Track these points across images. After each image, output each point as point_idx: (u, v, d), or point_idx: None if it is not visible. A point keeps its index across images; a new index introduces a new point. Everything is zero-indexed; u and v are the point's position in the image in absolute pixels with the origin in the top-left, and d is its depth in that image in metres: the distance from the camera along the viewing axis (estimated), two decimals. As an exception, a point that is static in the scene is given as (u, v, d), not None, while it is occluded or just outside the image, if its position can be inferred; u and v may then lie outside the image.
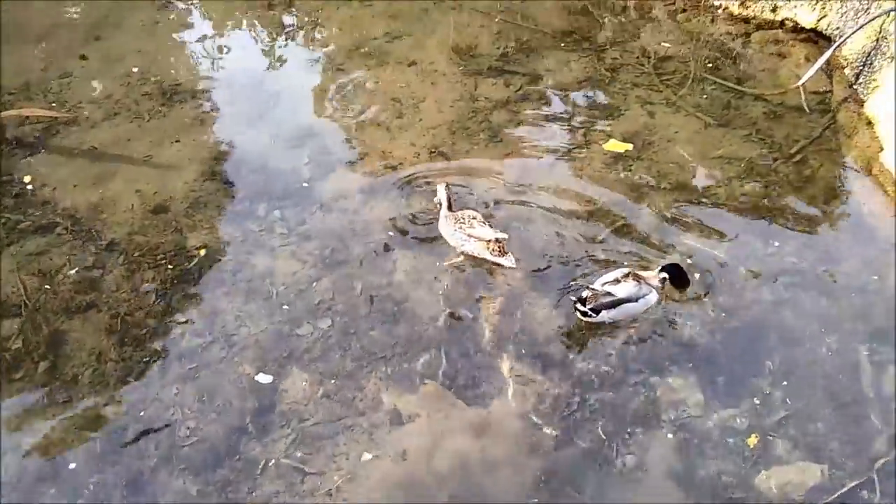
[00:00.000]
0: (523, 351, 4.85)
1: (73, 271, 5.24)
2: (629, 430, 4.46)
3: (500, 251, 5.29)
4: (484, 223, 5.36)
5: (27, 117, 6.58)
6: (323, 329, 4.95)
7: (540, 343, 4.90)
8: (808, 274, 5.36)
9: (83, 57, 7.36)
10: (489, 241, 5.28)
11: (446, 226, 5.46)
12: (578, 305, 4.88)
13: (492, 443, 4.38)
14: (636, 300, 4.91)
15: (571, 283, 5.26)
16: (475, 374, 4.72)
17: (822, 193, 6.04)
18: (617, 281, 4.94)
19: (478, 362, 4.79)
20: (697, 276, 5.25)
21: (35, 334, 4.83)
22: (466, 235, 5.32)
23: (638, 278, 4.95)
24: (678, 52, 7.64)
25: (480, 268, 5.37)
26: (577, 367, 4.77)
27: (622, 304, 4.88)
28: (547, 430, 4.44)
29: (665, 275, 5.01)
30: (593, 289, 4.92)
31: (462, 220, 5.38)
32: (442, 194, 5.55)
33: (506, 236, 5.31)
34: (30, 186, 5.90)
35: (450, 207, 5.54)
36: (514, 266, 5.28)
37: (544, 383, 4.69)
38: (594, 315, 4.86)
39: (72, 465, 4.18)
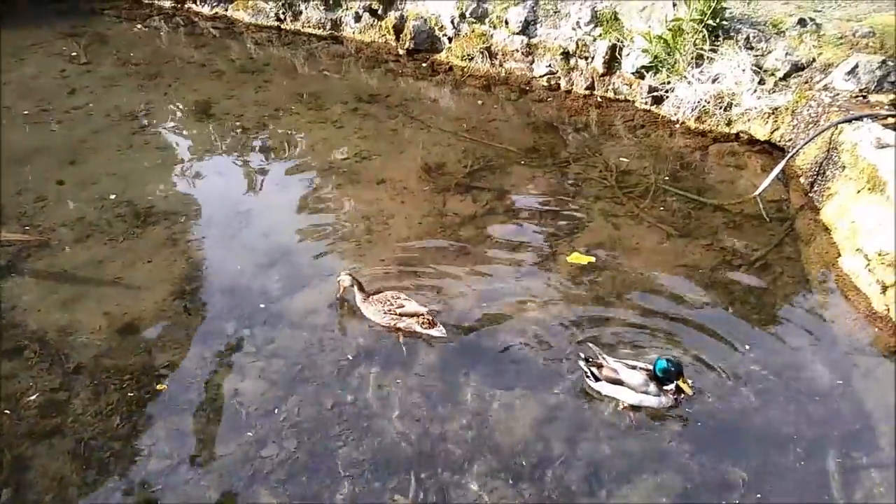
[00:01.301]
0: (494, 464, 4.81)
1: (38, 396, 5.19)
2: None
3: (430, 324, 5.71)
4: (409, 298, 5.82)
5: (0, 241, 6.65)
6: (289, 450, 4.89)
7: (509, 454, 4.87)
8: (774, 380, 5.42)
9: (60, 182, 7.51)
10: (421, 315, 5.70)
11: (369, 308, 5.84)
12: (586, 365, 5.28)
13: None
14: (638, 391, 5.13)
15: (588, 354, 5.38)
16: (445, 492, 4.66)
17: (784, 300, 6.17)
18: (633, 367, 5.20)
19: (447, 480, 4.73)
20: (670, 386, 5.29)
21: (-3, 461, 4.76)
22: (398, 315, 5.73)
23: (655, 381, 5.15)
24: (639, 165, 7.93)
25: (450, 380, 5.38)
26: (546, 478, 4.73)
27: (621, 385, 5.16)
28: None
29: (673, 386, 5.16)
30: (607, 362, 5.24)
31: (389, 302, 5.78)
32: (346, 281, 5.92)
33: (436, 309, 5.87)
34: (-1, 310, 5.93)
35: (362, 290, 5.91)
36: (444, 335, 5.69)
37: (515, 498, 4.63)
38: (594, 380, 5.23)
39: None
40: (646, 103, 8.98)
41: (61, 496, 4.57)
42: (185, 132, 8.70)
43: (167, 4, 11.90)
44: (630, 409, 5.19)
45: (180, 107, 9.18)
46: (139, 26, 11.44)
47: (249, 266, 6.47)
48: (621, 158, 8.08)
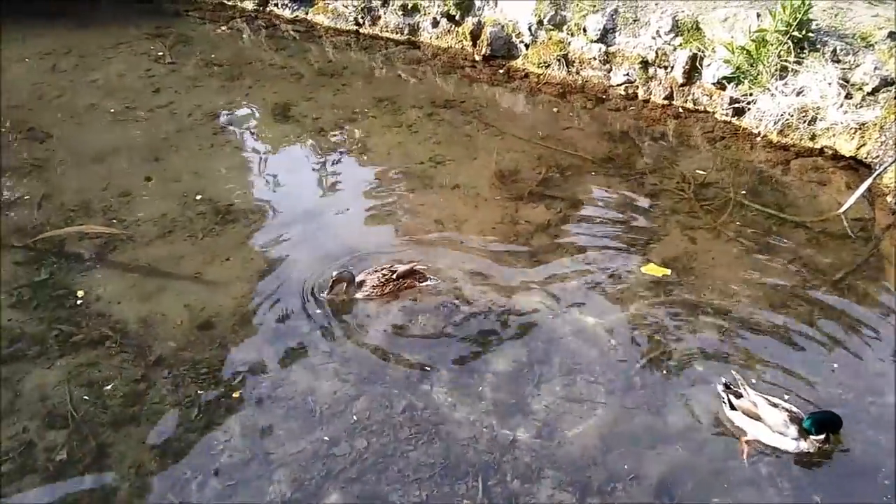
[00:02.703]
0: (562, 476, 4.78)
1: (120, 384, 5.36)
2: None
3: (423, 276, 6.27)
4: (392, 265, 6.26)
5: (86, 233, 6.89)
6: (359, 450, 4.95)
7: (578, 467, 4.83)
8: (855, 405, 5.25)
9: (148, 178, 7.74)
10: (416, 269, 6.23)
11: (366, 285, 6.13)
12: (724, 391, 5.15)
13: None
14: (774, 430, 4.91)
15: (729, 381, 5.26)
16: (513, 500, 4.65)
17: (867, 322, 5.98)
18: (774, 405, 4.99)
19: (515, 489, 4.72)
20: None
21: (81, 446, 4.91)
22: (396, 279, 6.13)
23: (797, 425, 4.91)
24: (718, 178, 7.78)
25: (520, 389, 5.36)
26: (615, 493, 4.68)
27: (759, 421, 4.96)
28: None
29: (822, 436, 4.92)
30: (748, 394, 5.06)
31: (382, 271, 6.15)
32: (344, 277, 6.09)
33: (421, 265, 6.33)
34: (83, 300, 6.12)
35: (353, 282, 6.13)
36: (436, 281, 6.29)
37: (583, 512, 4.60)
38: (729, 408, 5.11)
39: (105, 583, 4.17)
40: (726, 115, 8.81)
41: (139, 484, 4.71)
42: (264, 133, 8.88)
43: (249, 7, 12.15)
44: (752, 444, 4.98)
45: (260, 108, 9.36)
46: (222, 28, 11.71)
47: (323, 267, 6.55)
48: (698, 171, 7.94)
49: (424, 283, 6.29)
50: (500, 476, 4.78)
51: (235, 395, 5.32)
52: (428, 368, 5.55)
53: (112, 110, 9.19)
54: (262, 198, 7.58)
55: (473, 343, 5.78)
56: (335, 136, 8.73)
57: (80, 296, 6.15)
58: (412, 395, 5.33)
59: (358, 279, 6.16)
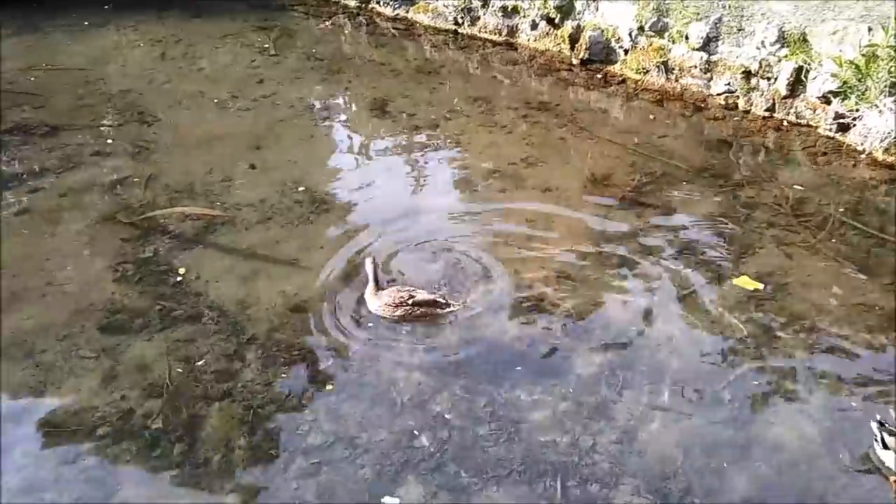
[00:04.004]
0: (641, 485, 4.75)
1: (214, 361, 5.57)
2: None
3: (445, 304, 5.98)
4: (415, 289, 6.00)
5: (189, 215, 7.19)
6: (440, 441, 5.02)
7: (658, 477, 4.79)
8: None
9: (252, 166, 8.02)
10: (435, 301, 5.93)
11: (375, 302, 5.94)
12: (878, 429, 4.86)
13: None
14: None
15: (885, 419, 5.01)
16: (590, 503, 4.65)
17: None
18: None
19: (593, 493, 4.71)
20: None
21: (175, 416, 5.13)
22: (411, 305, 5.88)
23: None
24: (817, 194, 7.57)
25: (603, 394, 5.35)
26: (696, 506, 4.64)
27: None
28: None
29: None
30: None
31: (400, 295, 5.90)
32: (369, 269, 5.99)
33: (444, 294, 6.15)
34: (184, 278, 6.39)
35: (377, 283, 5.98)
36: (459, 306, 6.04)
37: (661, 522, 4.57)
38: (881, 447, 4.82)
39: (193, 548, 4.36)
40: (830, 130, 8.55)
41: (228, 457, 4.89)
42: (361, 127, 9.07)
43: (352, 4, 12.41)
44: None
45: (358, 102, 9.56)
46: (325, 23, 11.99)
47: (413, 261, 6.66)
48: (797, 185, 7.74)
49: (445, 311, 5.99)
50: (579, 479, 4.78)
51: (323, 378, 5.48)
52: (511, 365, 5.58)
53: (217, 98, 9.52)
54: (357, 190, 7.74)
55: (557, 345, 5.79)
56: (429, 133, 8.84)
57: (181, 273, 6.43)
58: (494, 391, 5.38)
59: (382, 289, 6.00)
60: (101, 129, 8.79)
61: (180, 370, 5.50)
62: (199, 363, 5.56)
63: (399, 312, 5.89)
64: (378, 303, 5.93)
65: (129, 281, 6.36)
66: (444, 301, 5.99)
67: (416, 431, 5.07)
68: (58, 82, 9.79)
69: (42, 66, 10.19)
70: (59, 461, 4.83)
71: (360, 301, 6.11)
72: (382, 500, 4.63)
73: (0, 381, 5.37)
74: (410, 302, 5.89)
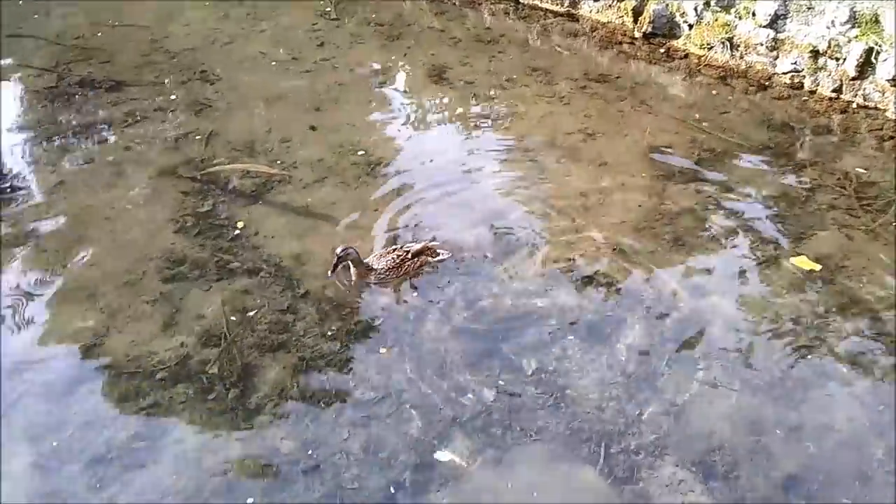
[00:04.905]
0: (686, 456, 4.76)
1: (269, 313, 5.70)
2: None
3: (432, 252, 6.22)
4: (401, 246, 6.18)
5: (248, 172, 7.32)
6: (487, 402, 5.08)
7: (705, 451, 4.79)
8: None
9: (313, 128, 8.12)
10: (427, 247, 6.21)
11: (373, 277, 5.99)
12: None
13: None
14: None
15: None
16: (633, 471, 4.66)
17: None
18: None
19: (637, 461, 4.73)
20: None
21: (230, 364, 5.28)
22: (411, 258, 6.06)
23: None
24: (882, 178, 7.40)
25: (652, 364, 5.35)
26: (740, 480, 4.62)
27: None
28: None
29: None
30: None
31: (396, 251, 6.06)
32: (347, 255, 5.83)
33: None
34: (242, 232, 6.52)
35: (362, 264, 5.94)
36: (449, 254, 6.28)
37: (703, 494, 4.56)
38: None
39: (244, 487, 4.48)
40: (898, 114, 8.33)
41: (280, 405, 5.02)
42: (419, 93, 9.09)
43: (414, -30, 12.38)
44: None
45: (417, 69, 9.58)
46: (386, -11, 12.00)
47: (465, 226, 6.70)
48: (860, 169, 7.56)
49: (437, 259, 6.23)
50: (624, 447, 4.81)
51: (373, 336, 5.57)
52: (560, 332, 5.60)
53: (278, 60, 9.63)
54: (413, 154, 7.79)
55: (608, 315, 5.79)
56: (487, 101, 8.83)
57: (239, 228, 6.57)
58: (543, 357, 5.41)
59: (368, 261, 6.02)
60: (165, 85, 8.96)
61: (236, 320, 5.64)
62: (255, 314, 5.69)
63: (404, 269, 6.03)
64: (379, 274, 6.01)
65: (189, 233, 6.52)
66: (434, 247, 6.26)
67: (463, 391, 5.14)
68: (123, 40, 9.99)
69: (109, 24, 10.39)
70: (119, 400, 5.01)
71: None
72: (435, 455, 4.71)
73: (65, 321, 5.57)
74: (410, 256, 6.06)
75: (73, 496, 4.40)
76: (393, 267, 6.00)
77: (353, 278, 5.99)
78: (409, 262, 6.05)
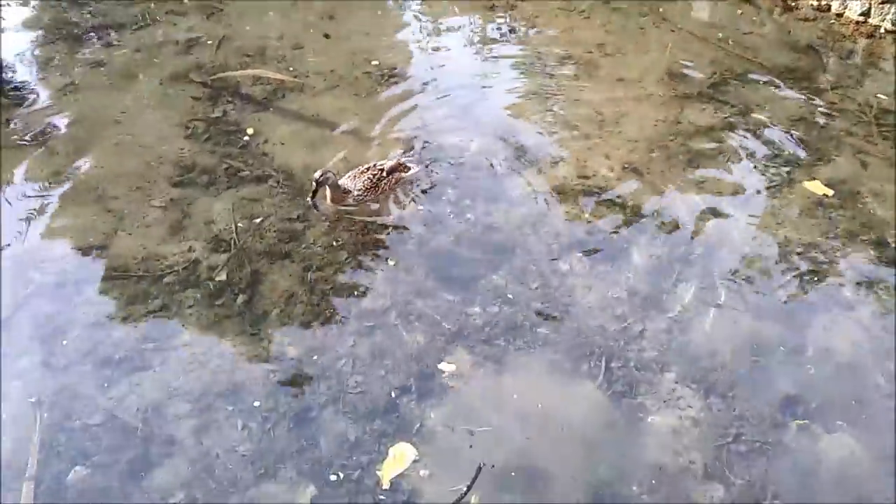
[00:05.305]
0: (686, 373, 4.81)
1: (277, 221, 5.71)
2: (785, 481, 4.31)
3: (404, 168, 6.08)
4: (375, 164, 5.98)
5: (260, 78, 7.24)
6: (491, 315, 5.12)
7: (706, 369, 4.84)
8: None
9: (326, 35, 7.98)
10: (400, 163, 6.07)
11: (350, 187, 5.81)
12: None
13: (629, 448, 4.38)
14: None
15: None
16: (633, 386, 4.72)
17: None
18: None
19: (637, 376, 4.78)
20: None
21: (238, 270, 5.32)
22: (386, 175, 5.91)
23: None
24: (904, 105, 7.25)
25: (658, 284, 5.35)
26: (738, 401, 4.67)
27: None
28: (687, 460, 4.37)
29: None
30: None
31: (376, 175, 5.87)
32: (326, 178, 5.66)
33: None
34: (252, 139, 6.49)
35: (338, 188, 5.76)
36: (419, 167, 6.17)
37: (702, 410, 4.62)
38: None
39: (249, 390, 4.57)
40: (926, 39, 8.10)
41: (287, 311, 5.07)
42: (435, 3, 8.89)
43: None
44: None
45: (434, -23, 9.35)
46: None
47: (478, 140, 6.64)
48: (882, 95, 7.40)
49: (409, 173, 6.11)
50: (624, 362, 4.86)
51: (381, 248, 5.59)
52: (568, 249, 5.60)
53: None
54: (426, 65, 7.69)
55: (616, 234, 5.77)
56: (505, 13, 8.64)
57: (249, 134, 6.53)
58: (549, 272, 5.43)
59: (342, 183, 5.82)
60: (177, -13, 8.80)
61: (245, 227, 5.66)
62: (263, 222, 5.70)
63: (380, 189, 5.90)
64: (356, 196, 5.84)
65: (199, 138, 6.49)
66: (405, 162, 6.14)
67: (468, 304, 5.17)
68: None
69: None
70: (128, 302, 5.08)
71: (416, 177, 6.22)
72: (439, 366, 4.78)
73: None
74: (385, 174, 5.92)
75: (81, 395, 4.50)
76: (370, 187, 5.84)
77: (328, 202, 5.83)
78: (384, 181, 5.91)
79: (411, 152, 6.45)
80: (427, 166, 6.28)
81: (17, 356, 4.69)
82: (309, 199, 5.75)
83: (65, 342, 4.78)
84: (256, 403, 4.49)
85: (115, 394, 4.51)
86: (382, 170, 5.91)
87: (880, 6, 8.47)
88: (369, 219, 5.82)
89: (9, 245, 5.43)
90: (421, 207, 5.94)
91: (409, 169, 6.13)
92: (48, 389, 4.51)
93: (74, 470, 4.13)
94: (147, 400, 4.48)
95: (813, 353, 4.97)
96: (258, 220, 5.71)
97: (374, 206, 5.93)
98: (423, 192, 6.08)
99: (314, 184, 5.63)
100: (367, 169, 5.91)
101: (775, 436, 4.49)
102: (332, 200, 5.80)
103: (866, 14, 8.58)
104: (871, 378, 4.84)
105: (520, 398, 4.64)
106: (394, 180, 5.99)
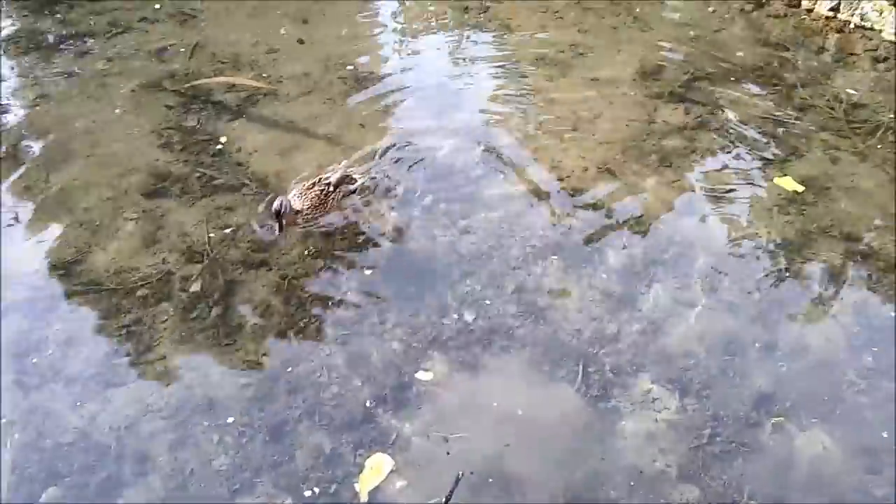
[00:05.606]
0: (662, 374, 4.84)
1: (252, 230, 5.69)
2: (760, 480, 4.35)
3: (350, 180, 5.96)
4: (319, 177, 5.84)
5: (233, 85, 7.20)
6: (467, 321, 5.13)
7: (681, 369, 4.87)
8: None
9: (300, 41, 7.95)
10: (346, 174, 5.94)
11: (297, 203, 5.64)
12: None
13: (606, 452, 4.41)
14: None
15: None
16: (608, 389, 4.75)
17: None
18: None
19: (612, 379, 4.81)
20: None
21: (212, 281, 5.30)
22: (335, 190, 5.78)
23: None
24: (873, 100, 7.29)
25: (632, 285, 5.38)
26: (713, 401, 4.71)
27: None
28: (663, 463, 4.40)
29: None
30: None
31: (313, 183, 5.75)
32: (296, 203, 5.61)
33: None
34: (225, 147, 6.46)
35: (291, 210, 5.57)
36: (363, 180, 6.03)
37: (678, 411, 4.65)
38: None
39: (224, 404, 4.56)
40: (894, 35, 8.16)
41: (262, 323, 5.06)
42: (408, 5, 8.88)
43: None
44: None
45: (407, -21, 9.33)
46: None
47: (452, 142, 6.64)
48: (852, 90, 7.45)
49: (355, 185, 5.97)
50: (601, 365, 4.88)
51: (357, 254, 5.58)
52: (543, 253, 5.62)
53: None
54: (401, 70, 7.67)
55: (590, 234, 5.79)
56: (478, 14, 8.63)
57: (222, 143, 6.50)
58: (524, 277, 5.44)
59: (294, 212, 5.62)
60: (148, -6, 8.74)
61: (218, 237, 5.63)
62: (237, 231, 5.68)
63: (329, 204, 5.74)
64: (305, 215, 5.68)
65: (173, 148, 6.46)
66: (350, 174, 5.99)
67: (444, 311, 5.18)
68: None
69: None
70: (101, 317, 5.05)
71: (396, 182, 6.19)
72: (416, 375, 4.78)
73: None
74: (332, 188, 5.75)
75: (53, 413, 4.47)
76: (318, 204, 5.68)
77: (282, 228, 5.61)
78: (332, 195, 5.75)
79: (377, 157, 6.43)
80: (382, 176, 6.22)
81: (-12, 374, 4.66)
82: (277, 232, 5.60)
83: (36, 360, 4.75)
84: (231, 419, 4.47)
85: (87, 411, 4.48)
86: (329, 183, 5.75)
87: (849, 1, 8.53)
88: (340, 226, 5.81)
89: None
90: (394, 214, 5.93)
91: (356, 181, 6.00)
92: (20, 408, 4.48)
93: (47, 491, 4.11)
94: (120, 417, 4.46)
95: (786, 351, 5.01)
96: (232, 230, 5.68)
97: (326, 223, 5.81)
98: (392, 194, 6.08)
99: (276, 216, 5.46)
100: (314, 184, 5.73)
101: (750, 435, 4.53)
102: (286, 224, 5.63)
103: (835, 9, 8.64)
104: (843, 375, 4.88)
105: (497, 404, 4.65)
106: (341, 194, 5.86)
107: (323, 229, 5.78)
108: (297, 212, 5.65)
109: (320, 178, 5.82)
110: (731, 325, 5.18)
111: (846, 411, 4.68)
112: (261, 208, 5.85)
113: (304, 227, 5.75)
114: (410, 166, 6.38)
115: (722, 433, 4.53)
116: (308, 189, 5.72)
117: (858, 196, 6.17)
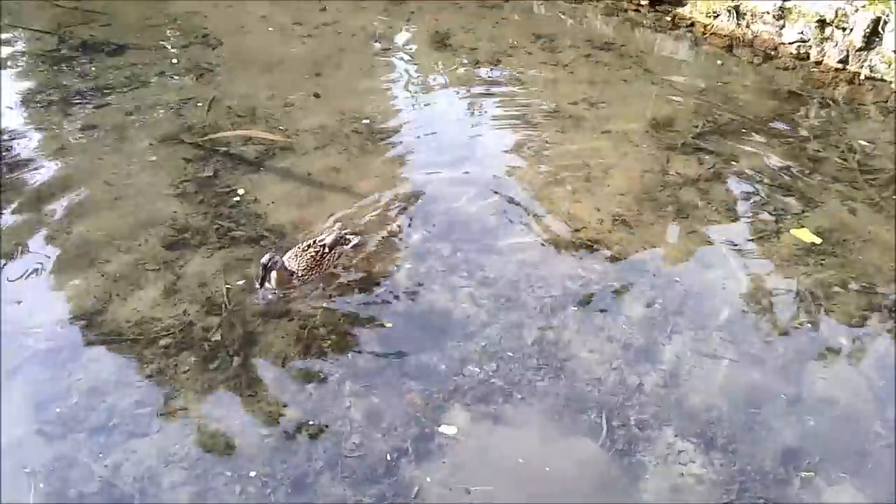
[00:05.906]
0: (686, 428, 4.79)
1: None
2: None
3: (345, 241, 5.95)
4: (314, 240, 5.81)
5: (250, 138, 7.29)
6: (488, 373, 5.10)
7: (705, 423, 4.82)
8: None
9: (316, 95, 8.07)
10: (341, 236, 5.93)
11: (296, 279, 5.63)
12: None
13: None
14: None
15: None
16: (633, 443, 4.70)
17: None
18: None
19: (637, 434, 4.76)
20: None
21: (231, 332, 5.29)
22: (331, 251, 5.76)
23: None
24: (887, 151, 7.37)
25: (652, 336, 5.36)
26: (739, 455, 4.65)
27: None
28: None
29: None
30: None
31: (308, 245, 5.72)
32: (279, 264, 5.49)
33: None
34: (243, 199, 6.51)
35: (284, 269, 5.55)
36: (363, 239, 6.05)
37: (705, 465, 4.60)
38: None
39: (247, 454, 4.51)
40: (904, 86, 8.28)
41: (281, 375, 5.03)
42: (421, 59, 9.03)
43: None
44: None
45: (420, 34, 9.49)
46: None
47: (468, 195, 6.69)
48: (865, 142, 7.52)
49: (350, 246, 5.97)
50: (624, 418, 4.84)
51: (375, 306, 5.57)
52: (561, 303, 5.61)
53: (280, 24, 9.55)
54: (415, 122, 7.78)
55: (609, 287, 5.80)
56: (490, 68, 8.78)
57: (240, 194, 6.55)
58: (544, 328, 5.43)
59: (286, 264, 5.60)
60: (166, 49, 8.90)
61: (238, 288, 5.64)
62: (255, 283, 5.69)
63: (325, 265, 5.72)
64: (299, 276, 5.64)
65: (191, 200, 6.51)
66: (346, 234, 6.01)
67: (464, 362, 5.15)
68: (125, 2, 9.90)
69: (109, -16, 10.30)
70: (122, 367, 5.03)
71: (411, 231, 6.24)
72: (438, 428, 4.74)
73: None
74: (328, 249, 5.73)
75: (77, 464, 4.43)
76: (313, 266, 5.65)
77: (274, 285, 5.57)
78: (328, 256, 5.74)
79: (392, 207, 6.48)
80: (397, 227, 6.25)
81: (10, 425, 4.62)
82: (257, 285, 5.53)
83: (59, 409, 4.72)
84: (252, 473, 4.42)
85: (110, 461, 4.44)
86: (325, 245, 5.74)
87: (857, 53, 8.67)
88: (357, 279, 5.82)
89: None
90: (409, 266, 5.94)
91: (350, 241, 6.00)
92: (43, 458, 4.44)
93: (70, 543, 4.07)
94: (143, 467, 4.41)
95: (811, 404, 4.97)
96: (251, 281, 5.68)
97: (318, 286, 5.74)
98: (405, 245, 6.11)
99: (262, 269, 5.42)
100: (309, 246, 5.71)
101: (779, 490, 4.46)
102: (279, 283, 5.57)
103: (844, 61, 8.78)
104: (870, 427, 4.83)
105: (518, 456, 4.60)
106: (337, 255, 5.85)
107: (335, 284, 5.79)
108: (292, 273, 5.63)
109: (315, 241, 5.81)
110: (755, 377, 5.15)
111: (875, 465, 4.62)
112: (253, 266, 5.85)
113: (299, 286, 5.69)
114: (426, 217, 6.41)
115: (750, 488, 4.47)
116: (303, 251, 5.69)
117: (876, 247, 6.19)
